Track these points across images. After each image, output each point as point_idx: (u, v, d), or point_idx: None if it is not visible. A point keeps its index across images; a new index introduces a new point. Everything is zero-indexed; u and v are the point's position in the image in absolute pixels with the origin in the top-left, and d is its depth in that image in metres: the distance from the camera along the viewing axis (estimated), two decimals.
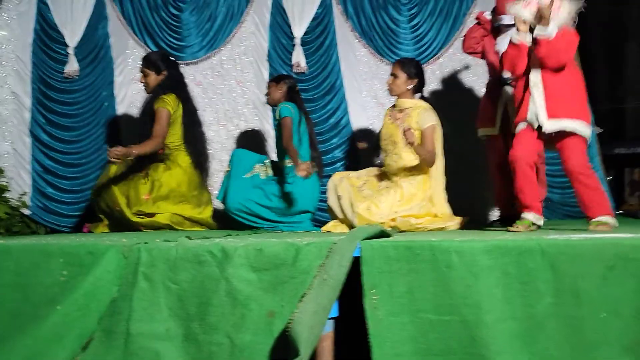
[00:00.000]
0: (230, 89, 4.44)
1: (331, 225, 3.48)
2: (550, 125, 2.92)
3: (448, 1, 4.55)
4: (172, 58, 3.98)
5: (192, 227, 3.70)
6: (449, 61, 4.57)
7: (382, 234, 2.46)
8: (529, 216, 2.94)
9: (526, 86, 2.98)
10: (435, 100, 4.33)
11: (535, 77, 2.95)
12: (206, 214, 3.78)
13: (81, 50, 4.36)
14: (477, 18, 3.75)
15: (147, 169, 3.68)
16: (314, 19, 4.48)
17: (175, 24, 4.43)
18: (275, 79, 3.92)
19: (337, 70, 4.52)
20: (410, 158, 3.40)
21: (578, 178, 2.92)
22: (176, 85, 3.79)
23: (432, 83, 4.51)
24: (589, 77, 4.93)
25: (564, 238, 2.17)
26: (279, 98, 3.81)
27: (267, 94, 3.90)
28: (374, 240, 2.28)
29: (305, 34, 4.46)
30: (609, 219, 2.86)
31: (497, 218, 3.97)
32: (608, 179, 4.92)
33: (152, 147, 3.63)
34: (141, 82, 3.81)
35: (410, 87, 3.51)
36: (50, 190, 4.30)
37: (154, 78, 3.75)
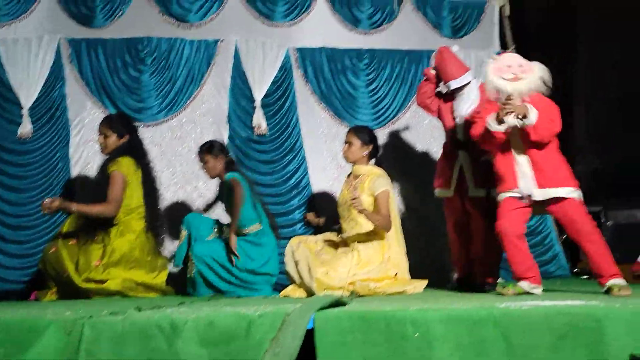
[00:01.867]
0: (190, 150, 4.43)
1: (290, 290, 3.43)
2: (542, 194, 2.98)
3: (404, 67, 4.72)
4: (134, 123, 3.95)
5: (146, 292, 3.58)
6: (406, 124, 4.69)
7: (338, 303, 2.42)
8: (524, 285, 2.98)
9: (507, 157, 3.05)
10: (394, 163, 4.44)
11: (519, 149, 3.02)
12: (160, 279, 3.67)
13: (36, 111, 4.30)
14: (423, 74, 3.87)
15: (101, 234, 3.58)
16: (274, 82, 4.56)
17: (134, 85, 4.44)
18: (209, 150, 3.83)
19: (297, 132, 4.57)
20: (366, 223, 3.41)
21: (590, 238, 2.94)
22: (135, 150, 3.75)
23: (391, 145, 4.60)
24: None
25: (516, 307, 2.18)
26: (221, 169, 3.81)
27: (205, 164, 3.84)
28: (329, 310, 2.24)
29: (266, 96, 4.53)
30: (622, 281, 2.89)
31: (454, 280, 3.98)
32: (562, 237, 5.02)
33: (101, 210, 3.53)
34: (99, 142, 3.74)
35: (365, 153, 3.58)
36: None
37: (114, 140, 3.68)
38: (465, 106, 3.58)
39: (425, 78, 3.82)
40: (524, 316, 2.07)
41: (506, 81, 3.00)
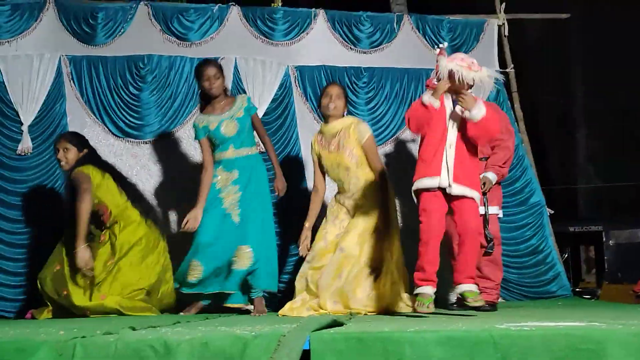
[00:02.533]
0: (190, 166, 4.42)
1: (287, 309, 3.39)
2: (456, 190, 2.95)
3: (403, 86, 4.74)
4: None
5: (143, 312, 3.54)
6: (406, 141, 4.69)
7: (334, 324, 2.38)
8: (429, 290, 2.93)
9: (437, 145, 3.00)
10: (396, 180, 4.43)
11: (452, 139, 2.99)
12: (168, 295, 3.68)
13: (36, 128, 4.31)
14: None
15: (107, 233, 3.62)
16: (273, 100, 4.58)
17: (135, 103, 4.45)
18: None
19: (297, 149, 4.56)
20: (368, 173, 3.47)
21: (474, 238, 2.95)
22: (97, 161, 3.76)
23: (391, 160, 4.59)
24: (542, 161, 5.14)
25: (517, 328, 2.14)
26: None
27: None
28: (325, 331, 2.20)
29: (265, 114, 4.53)
30: (475, 288, 2.95)
31: (455, 300, 3.94)
32: (564, 256, 4.99)
33: (81, 209, 3.50)
34: (58, 158, 3.69)
35: (344, 106, 3.55)
36: None
37: (74, 154, 3.69)
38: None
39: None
40: (524, 337, 2.03)
41: (461, 66, 2.99)
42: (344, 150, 3.46)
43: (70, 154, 3.68)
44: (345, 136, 3.47)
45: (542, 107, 5.11)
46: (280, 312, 3.42)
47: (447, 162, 2.96)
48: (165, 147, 4.44)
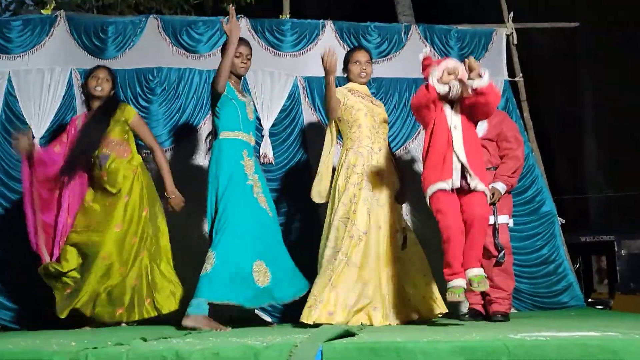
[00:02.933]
0: (197, 177, 4.41)
1: (325, 318, 3.13)
2: (472, 184, 2.99)
3: (412, 95, 4.70)
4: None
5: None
6: (415, 150, 4.67)
7: (347, 334, 2.37)
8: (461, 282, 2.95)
9: (443, 152, 3.03)
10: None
11: (458, 141, 3.02)
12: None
13: (47, 141, 4.33)
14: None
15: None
16: (282, 111, 4.58)
17: (144, 115, 4.45)
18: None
19: (306, 159, 4.56)
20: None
21: (481, 224, 2.98)
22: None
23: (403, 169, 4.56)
24: (552, 170, 5.11)
25: (532, 338, 2.12)
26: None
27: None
28: (337, 341, 2.19)
29: (273, 125, 4.54)
30: (482, 271, 2.96)
31: (467, 310, 3.90)
32: (575, 266, 4.94)
33: (163, 158, 3.75)
34: (99, 84, 3.69)
35: None
36: None
37: (108, 89, 3.76)
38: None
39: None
40: (539, 348, 2.00)
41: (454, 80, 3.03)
42: (378, 106, 3.54)
43: (106, 86, 3.75)
44: (375, 101, 3.59)
45: (552, 116, 5.10)
46: (315, 319, 3.13)
47: (458, 163, 3.00)
48: (174, 158, 4.46)
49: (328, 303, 3.14)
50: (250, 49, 3.55)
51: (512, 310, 4.00)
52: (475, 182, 2.99)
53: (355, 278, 3.20)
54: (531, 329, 2.55)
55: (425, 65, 3.08)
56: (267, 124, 4.52)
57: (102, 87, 3.67)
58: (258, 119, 4.51)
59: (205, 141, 3.99)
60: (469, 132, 3.05)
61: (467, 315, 3.72)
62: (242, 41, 3.49)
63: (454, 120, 3.04)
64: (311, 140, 4.59)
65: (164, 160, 3.73)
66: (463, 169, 3.00)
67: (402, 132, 4.70)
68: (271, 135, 4.53)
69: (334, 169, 3.56)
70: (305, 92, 4.66)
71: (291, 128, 4.60)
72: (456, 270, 2.94)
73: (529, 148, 4.73)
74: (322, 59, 3.36)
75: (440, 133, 3.03)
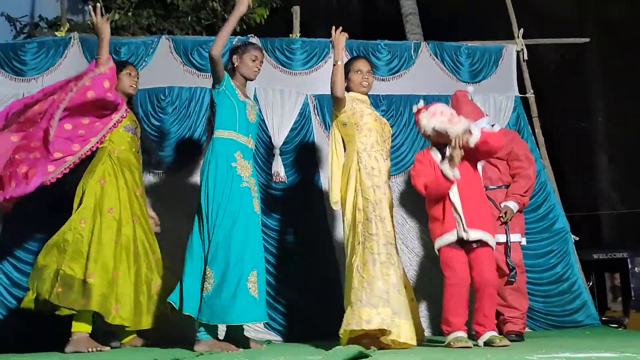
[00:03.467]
0: None
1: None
2: (473, 235, 3.04)
3: None
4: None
5: None
6: None
7: (360, 356, 2.35)
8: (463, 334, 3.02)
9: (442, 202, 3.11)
10: (412, 209, 4.41)
11: (453, 189, 3.09)
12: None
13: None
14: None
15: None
16: (292, 129, 4.59)
17: (155, 134, 4.49)
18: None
19: (318, 177, 4.56)
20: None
21: (490, 292, 3.02)
22: None
23: (409, 189, 4.55)
24: (564, 187, 5.07)
25: (548, 358, 2.08)
26: None
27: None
28: None
29: (285, 143, 4.54)
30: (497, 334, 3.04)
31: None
32: (589, 284, 4.88)
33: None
34: (134, 82, 3.86)
35: None
36: (14, 303, 4.06)
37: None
38: None
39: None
40: None
41: (443, 122, 3.13)
42: (384, 123, 3.50)
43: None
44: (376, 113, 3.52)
45: (563, 132, 5.07)
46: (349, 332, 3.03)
47: (456, 213, 3.05)
48: (184, 177, 4.47)
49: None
50: (263, 56, 3.65)
51: (527, 329, 3.95)
52: (471, 235, 3.03)
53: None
54: (547, 350, 2.51)
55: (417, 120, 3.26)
56: (278, 142, 4.53)
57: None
58: (269, 137, 4.52)
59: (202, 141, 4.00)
60: (467, 180, 3.09)
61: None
62: (257, 46, 3.59)
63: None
64: (322, 157, 4.59)
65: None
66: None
67: (411, 151, 4.66)
68: (282, 153, 4.53)
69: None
70: (315, 110, 4.67)
71: (302, 145, 4.60)
72: (456, 328, 3.00)
73: (541, 164, 4.70)
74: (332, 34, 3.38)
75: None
